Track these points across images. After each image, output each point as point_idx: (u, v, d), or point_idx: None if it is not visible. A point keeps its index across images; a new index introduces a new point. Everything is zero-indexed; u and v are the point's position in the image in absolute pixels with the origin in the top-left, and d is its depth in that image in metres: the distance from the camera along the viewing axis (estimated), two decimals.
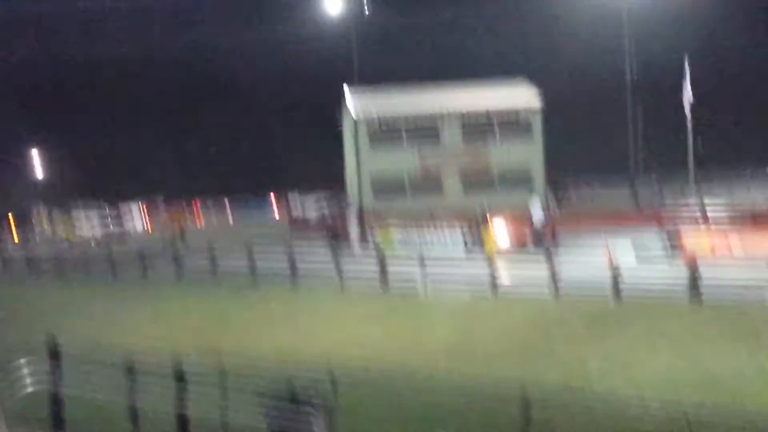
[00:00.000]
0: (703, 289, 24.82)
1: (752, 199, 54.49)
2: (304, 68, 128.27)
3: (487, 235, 35.12)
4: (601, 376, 20.80)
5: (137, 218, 76.74)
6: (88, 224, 67.66)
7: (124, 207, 75.91)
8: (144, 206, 79.88)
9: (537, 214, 35.27)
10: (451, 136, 65.30)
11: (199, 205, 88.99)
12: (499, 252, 34.02)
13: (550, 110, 65.76)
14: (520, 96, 66.23)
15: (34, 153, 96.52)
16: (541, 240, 35.23)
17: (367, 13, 79.82)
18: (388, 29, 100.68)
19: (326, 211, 65.55)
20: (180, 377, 15.36)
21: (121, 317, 32.04)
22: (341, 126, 70.25)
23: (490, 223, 35.49)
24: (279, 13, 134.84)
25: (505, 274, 29.48)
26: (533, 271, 28.87)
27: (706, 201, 50.60)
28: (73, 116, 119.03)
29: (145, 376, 16.33)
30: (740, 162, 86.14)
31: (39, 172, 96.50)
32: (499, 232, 35.19)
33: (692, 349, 21.45)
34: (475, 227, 36.18)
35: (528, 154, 64.61)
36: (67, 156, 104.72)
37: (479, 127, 65.67)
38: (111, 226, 68.01)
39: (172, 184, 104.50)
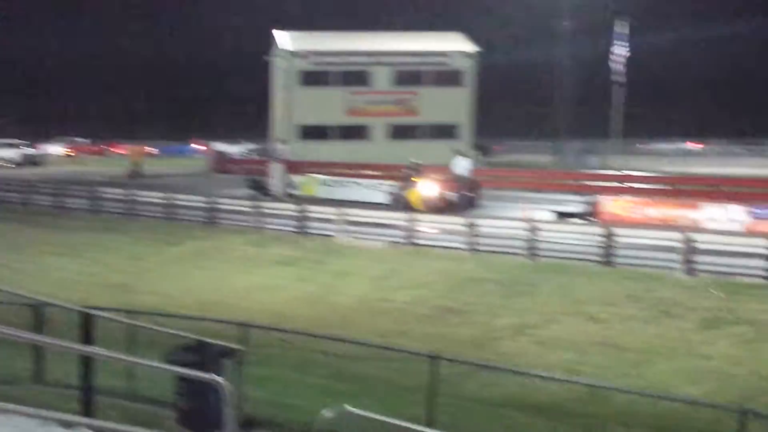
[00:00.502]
0: (616, 252, 25.02)
1: (671, 169, 55.45)
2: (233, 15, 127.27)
3: (411, 185, 35.00)
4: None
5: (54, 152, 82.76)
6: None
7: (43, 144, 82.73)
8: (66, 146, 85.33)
9: (462, 167, 35.10)
10: (381, 78, 64.92)
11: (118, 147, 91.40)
12: (422, 203, 34.04)
13: (481, 67, 65.81)
14: (452, 42, 66.11)
15: None
16: (464, 194, 35.11)
17: None
18: None
19: (249, 155, 64.92)
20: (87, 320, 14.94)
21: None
22: (270, 58, 69.24)
23: (415, 173, 35.27)
24: None
25: (424, 227, 29.37)
26: (453, 225, 28.82)
27: (627, 169, 51.21)
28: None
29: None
30: (664, 133, 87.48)
31: None
32: (424, 183, 34.99)
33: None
34: (401, 177, 35.89)
35: (457, 102, 64.63)
36: None
37: (410, 71, 65.40)
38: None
39: (94, 128, 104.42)
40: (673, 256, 23.80)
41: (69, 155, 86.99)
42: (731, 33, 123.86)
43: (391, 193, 36.26)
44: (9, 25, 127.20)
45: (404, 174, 35.48)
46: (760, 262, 22.66)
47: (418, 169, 35.68)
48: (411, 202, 34.18)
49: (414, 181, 34.98)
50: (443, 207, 33.99)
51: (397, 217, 30.19)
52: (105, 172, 58.91)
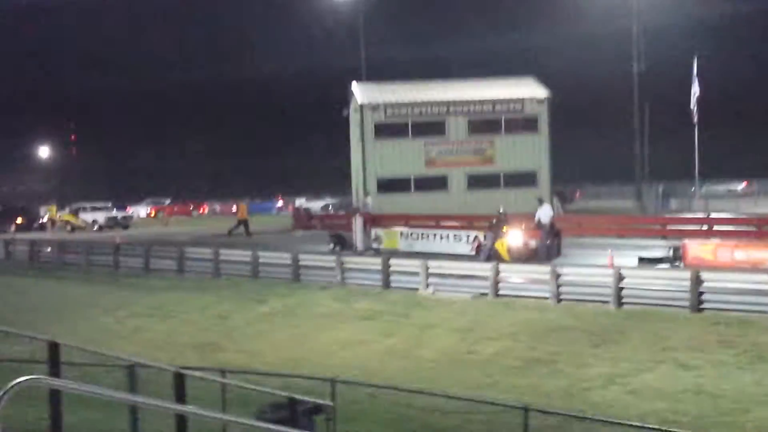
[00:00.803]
0: (704, 298, 24.63)
1: (757, 210, 54.55)
2: (312, 69, 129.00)
3: (499, 234, 34.63)
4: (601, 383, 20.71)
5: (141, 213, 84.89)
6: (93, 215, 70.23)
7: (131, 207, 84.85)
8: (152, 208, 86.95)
9: (544, 215, 34.85)
10: (456, 128, 65.00)
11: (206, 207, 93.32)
12: (510, 253, 33.79)
13: (557, 112, 65.64)
14: (526, 88, 66.03)
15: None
16: (548, 243, 34.82)
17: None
18: (396, 28, 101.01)
19: (331, 209, 65.25)
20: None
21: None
22: (348, 112, 69.78)
23: (503, 222, 34.91)
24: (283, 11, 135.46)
25: (510, 277, 29.26)
26: (538, 275, 28.66)
27: (712, 211, 50.53)
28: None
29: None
30: (746, 173, 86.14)
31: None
32: (511, 232, 34.73)
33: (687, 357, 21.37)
34: (488, 227, 35.55)
35: (534, 149, 64.39)
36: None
37: (484, 119, 65.40)
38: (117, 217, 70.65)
39: (181, 189, 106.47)
40: (764, 299, 23.36)
41: (153, 216, 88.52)
42: None
43: (477, 244, 35.95)
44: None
45: (491, 224, 35.13)
46: None
47: (505, 219, 35.34)
48: (499, 252, 33.85)
49: (502, 231, 34.65)
50: (530, 256, 33.74)
51: (481, 268, 30.12)
52: (191, 232, 59.76)
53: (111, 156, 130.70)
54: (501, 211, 35.50)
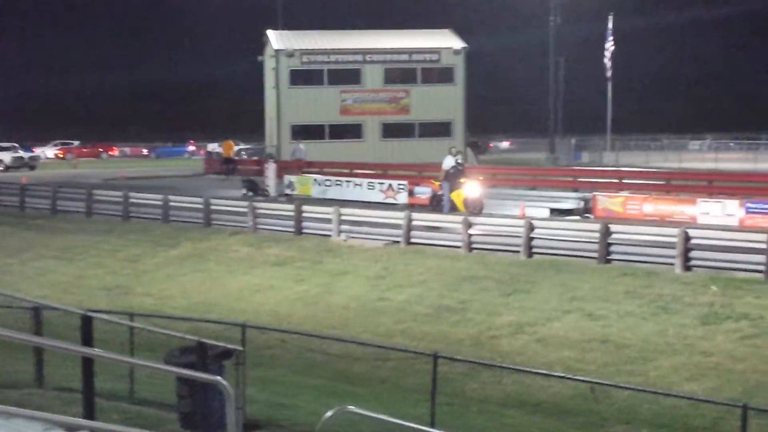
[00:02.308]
0: (613, 249, 25.01)
1: (667, 164, 55.55)
2: (228, 13, 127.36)
3: (457, 186, 33.64)
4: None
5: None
6: None
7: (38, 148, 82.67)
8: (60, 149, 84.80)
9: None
10: (373, 76, 64.82)
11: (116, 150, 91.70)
12: (463, 204, 33.10)
13: (472, 66, 65.80)
14: (443, 39, 66.09)
15: None
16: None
17: None
18: None
19: (244, 155, 64.51)
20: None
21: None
22: (262, 60, 69.10)
23: (456, 173, 33.80)
24: None
25: (422, 225, 29.30)
26: (450, 224, 28.78)
27: (622, 164, 51.32)
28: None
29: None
30: (658, 128, 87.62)
31: None
32: (469, 184, 33.67)
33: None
34: (443, 177, 34.17)
35: (449, 100, 64.57)
36: None
37: (400, 68, 65.34)
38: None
39: (86, 130, 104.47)
40: (670, 251, 23.79)
41: (60, 157, 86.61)
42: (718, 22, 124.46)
43: (432, 195, 34.86)
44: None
45: (447, 174, 33.81)
46: (757, 257, 22.63)
47: (462, 170, 34.53)
48: (455, 203, 33.03)
49: (458, 182, 33.55)
50: (482, 207, 33.04)
51: (394, 216, 30.14)
52: (100, 174, 58.79)
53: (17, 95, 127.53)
54: (459, 161, 34.69)
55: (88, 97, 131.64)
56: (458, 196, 32.98)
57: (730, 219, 28.99)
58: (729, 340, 18.96)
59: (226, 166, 54.10)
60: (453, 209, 32.38)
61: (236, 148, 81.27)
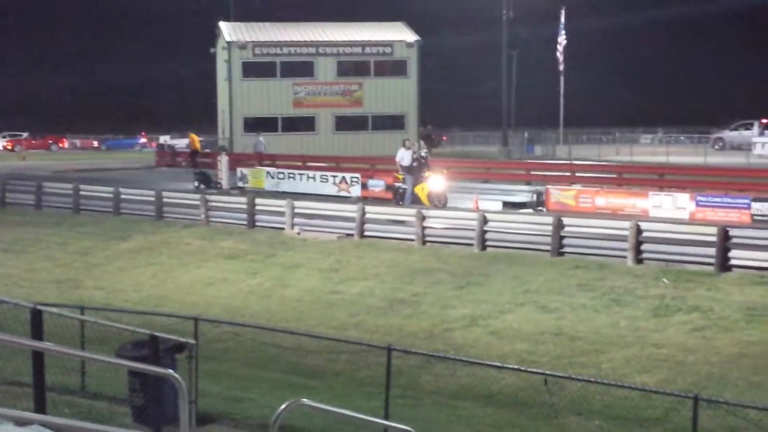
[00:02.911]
0: (565, 242, 25.13)
1: (618, 158, 55.96)
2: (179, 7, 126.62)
3: (415, 179, 33.35)
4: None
5: None
6: None
7: None
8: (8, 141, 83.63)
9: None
10: (326, 69, 64.70)
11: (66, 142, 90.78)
12: (427, 198, 32.85)
13: (426, 60, 65.87)
14: (396, 32, 66.10)
15: None
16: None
17: None
18: None
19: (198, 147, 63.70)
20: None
21: None
22: (214, 51, 68.77)
23: (419, 166, 33.46)
24: None
25: (376, 218, 29.27)
26: (404, 217, 28.78)
27: (575, 158, 51.64)
28: None
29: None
30: (610, 122, 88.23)
31: None
32: (434, 177, 33.37)
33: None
34: (408, 171, 33.76)
35: (402, 92, 64.61)
36: None
37: (354, 61, 65.27)
38: None
39: (38, 121, 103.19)
40: (622, 244, 23.96)
41: (8, 149, 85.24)
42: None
43: (395, 189, 34.49)
44: None
45: (411, 167, 33.47)
46: (707, 250, 22.85)
47: (426, 163, 34.07)
48: (419, 197, 32.80)
49: (422, 176, 33.27)
50: (446, 201, 32.86)
51: (347, 209, 30.09)
52: (50, 167, 58.13)
53: None
54: (423, 154, 34.46)
55: (37, 89, 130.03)
56: (422, 190, 32.92)
57: (681, 212, 29.28)
58: (680, 332, 19.13)
59: (193, 159, 53.09)
60: (416, 203, 32.26)
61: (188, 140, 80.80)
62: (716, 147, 66.34)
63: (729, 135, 68.08)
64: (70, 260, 29.75)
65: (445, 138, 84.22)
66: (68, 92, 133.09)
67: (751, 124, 67.70)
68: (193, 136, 56.28)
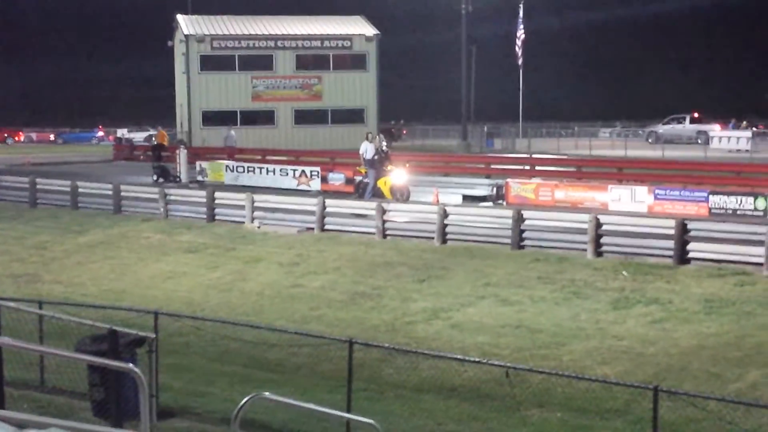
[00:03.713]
0: (525, 235, 25.21)
1: (577, 152, 56.30)
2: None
3: (378, 173, 33.13)
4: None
5: None
6: None
7: None
8: None
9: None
10: (285, 62, 64.49)
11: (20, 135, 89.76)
12: (390, 192, 32.66)
13: (386, 53, 65.88)
14: (355, 25, 66.05)
15: None
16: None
17: None
18: None
19: (154, 141, 63.12)
20: None
21: None
22: (172, 44, 68.32)
23: (381, 160, 33.20)
24: None
25: (336, 211, 29.19)
26: (364, 210, 28.74)
27: (534, 151, 51.86)
28: None
29: None
30: (569, 116, 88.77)
31: None
32: (396, 171, 33.15)
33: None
34: (370, 164, 33.46)
35: (362, 86, 64.58)
36: None
37: (313, 55, 65.16)
38: None
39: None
40: (582, 237, 24.07)
41: None
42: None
43: (357, 182, 34.25)
44: None
45: (372, 161, 33.24)
46: (666, 243, 23.01)
47: (387, 156, 33.52)
48: (381, 191, 32.58)
49: (384, 169, 33.07)
50: (409, 195, 32.69)
51: (307, 203, 30.00)
52: (5, 160, 57.45)
53: None
54: (384, 148, 34.32)
55: None
56: (385, 184, 32.78)
57: (639, 205, 29.44)
58: (640, 324, 19.25)
59: (157, 153, 52.07)
60: (378, 196, 32.10)
61: (146, 134, 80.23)
62: (650, 140, 67.44)
63: (662, 129, 69.32)
64: (27, 254, 29.44)
65: (405, 132, 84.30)
66: (24, 85, 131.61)
67: (684, 118, 69.19)
68: (162, 132, 55.73)
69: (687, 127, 67.85)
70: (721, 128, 67.19)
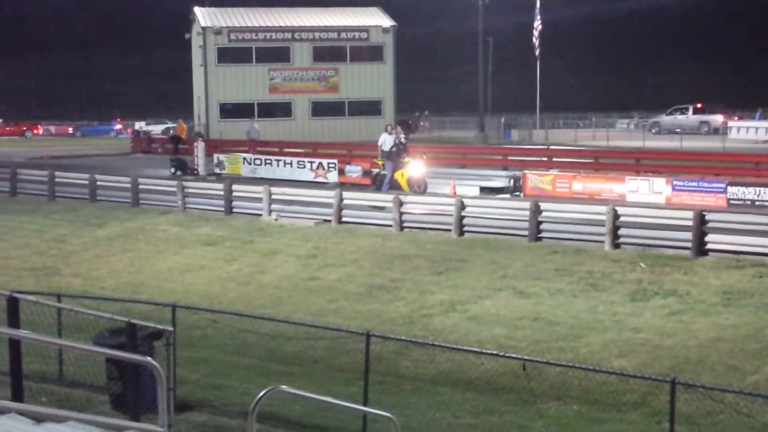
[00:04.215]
0: (543, 227, 25.17)
1: (594, 143, 56.13)
2: None
3: (400, 165, 33.03)
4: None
5: None
6: None
7: None
8: None
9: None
10: (302, 54, 64.48)
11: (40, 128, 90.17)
12: (407, 184, 32.59)
13: (403, 44, 65.77)
14: (372, 17, 65.97)
15: None
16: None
17: None
18: None
19: (172, 133, 63.33)
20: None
21: None
22: (189, 37, 68.46)
23: (399, 152, 33.06)
24: None
25: (353, 203, 29.20)
26: (382, 203, 28.73)
27: (551, 143, 51.73)
28: None
29: None
30: (586, 107, 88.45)
31: None
32: (414, 163, 33.07)
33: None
34: (388, 156, 33.32)
35: (379, 78, 64.52)
36: None
37: (330, 47, 65.09)
38: None
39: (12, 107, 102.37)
40: (600, 229, 24.01)
41: None
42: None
43: (375, 174, 34.24)
44: None
45: (390, 153, 33.18)
46: (684, 234, 22.92)
47: (405, 148, 33.50)
48: (399, 183, 32.56)
49: (402, 161, 33.08)
50: (426, 187, 32.63)
51: (325, 195, 30.02)
52: (24, 153, 57.74)
53: None
54: (402, 140, 34.07)
55: (11, 75, 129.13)
56: (402, 176, 32.75)
57: (657, 197, 29.37)
58: (657, 316, 19.19)
59: (175, 145, 52.01)
60: (395, 188, 32.09)
61: (164, 126, 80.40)
62: (653, 131, 67.50)
63: (665, 119, 69.55)
64: (47, 248, 29.58)
65: (423, 123, 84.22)
66: (43, 79, 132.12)
67: (687, 109, 69.38)
68: (182, 124, 55.84)
69: (690, 118, 68.14)
70: (738, 119, 67.18)
